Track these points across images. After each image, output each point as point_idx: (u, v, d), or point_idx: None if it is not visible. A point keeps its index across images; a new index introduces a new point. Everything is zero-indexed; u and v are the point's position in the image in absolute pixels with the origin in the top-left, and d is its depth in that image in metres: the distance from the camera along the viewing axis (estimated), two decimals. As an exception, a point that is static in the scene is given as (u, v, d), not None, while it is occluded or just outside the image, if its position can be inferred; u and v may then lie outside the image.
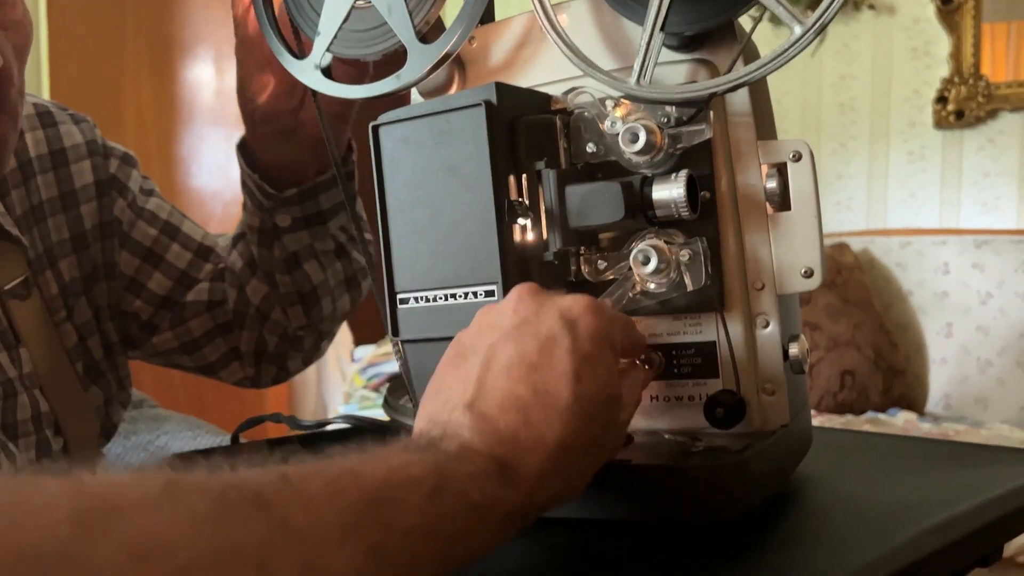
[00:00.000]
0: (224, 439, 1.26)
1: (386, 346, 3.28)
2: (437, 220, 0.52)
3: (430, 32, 0.59)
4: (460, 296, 0.51)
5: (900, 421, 2.08)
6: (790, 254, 0.51)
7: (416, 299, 0.53)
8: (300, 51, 0.65)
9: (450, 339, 0.52)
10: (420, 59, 0.57)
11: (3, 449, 0.70)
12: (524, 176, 0.51)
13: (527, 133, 0.51)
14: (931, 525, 0.46)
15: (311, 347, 0.90)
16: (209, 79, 3.71)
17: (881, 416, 2.14)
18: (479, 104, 0.50)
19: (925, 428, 1.99)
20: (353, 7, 0.61)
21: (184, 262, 0.87)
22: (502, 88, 0.51)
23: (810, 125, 2.75)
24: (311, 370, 3.91)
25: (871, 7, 2.61)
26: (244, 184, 0.81)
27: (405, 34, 0.58)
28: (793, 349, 0.51)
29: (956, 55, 2.53)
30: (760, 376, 0.52)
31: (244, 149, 0.80)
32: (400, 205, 0.53)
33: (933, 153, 2.63)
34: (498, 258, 0.50)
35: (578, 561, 0.45)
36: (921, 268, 2.39)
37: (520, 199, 0.51)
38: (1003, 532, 0.50)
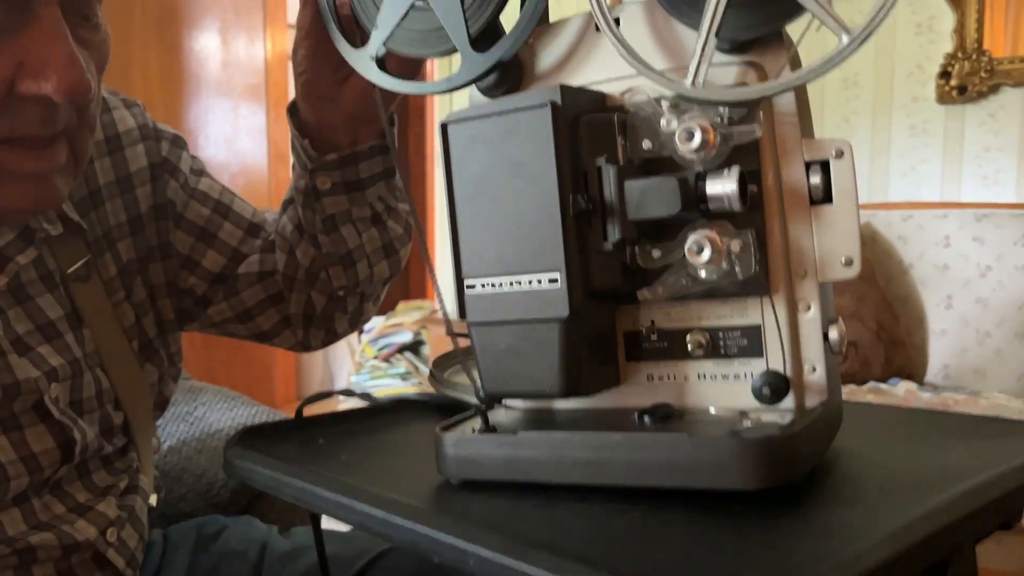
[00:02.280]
0: (257, 409, 1.30)
1: (395, 318, 3.33)
2: (503, 212, 0.56)
3: (485, 34, 0.62)
4: (524, 283, 0.56)
5: (901, 391, 2.14)
6: (831, 244, 0.55)
7: (482, 285, 0.57)
8: (358, 39, 0.69)
9: (514, 322, 0.57)
10: (473, 65, 0.61)
11: (75, 425, 0.74)
12: (585, 172, 0.55)
13: (588, 131, 0.56)
14: (960, 490, 0.51)
15: (355, 309, 0.94)
16: (215, 50, 3.73)
17: (883, 386, 2.20)
18: (545, 105, 0.54)
19: (925, 398, 2.04)
20: (412, 6, 0.64)
21: (236, 239, 0.91)
22: (565, 90, 0.55)
23: (814, 99, 2.76)
24: (317, 340, 3.95)
25: (876, -18, 2.64)
26: (292, 146, 0.85)
27: (459, 40, 0.62)
28: (832, 332, 0.56)
29: (960, 30, 2.56)
30: (803, 356, 0.56)
31: (294, 111, 0.83)
32: (467, 197, 0.57)
33: (935, 127, 2.67)
34: (562, 247, 0.54)
35: (636, 527, 0.50)
36: (922, 241, 2.44)
37: (582, 193, 0.55)
38: (1022, 499, 0.54)
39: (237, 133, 3.84)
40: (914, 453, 0.62)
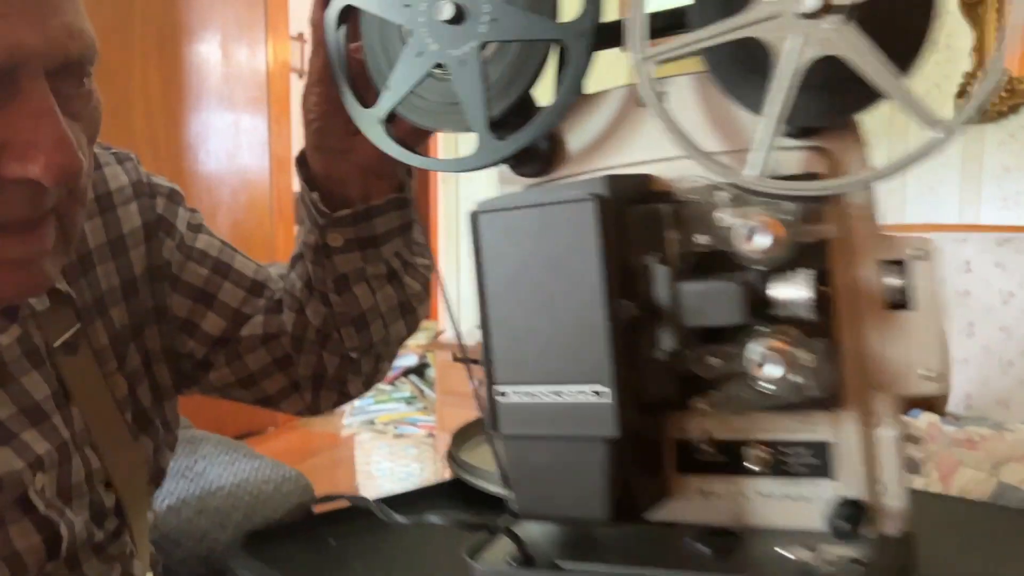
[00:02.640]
0: (260, 463, 1.24)
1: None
2: (541, 313, 0.50)
3: (508, 115, 0.56)
4: (567, 395, 0.50)
5: (923, 423, 2.07)
6: (911, 355, 0.49)
7: (517, 393, 0.51)
8: (366, 98, 0.63)
9: (554, 438, 0.51)
10: (490, 151, 0.55)
11: (62, 518, 0.68)
12: (633, 272, 0.49)
13: (636, 226, 0.50)
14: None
15: (370, 370, 0.87)
16: (217, 64, 3.67)
17: (904, 418, 2.13)
18: (588, 199, 0.48)
19: (950, 431, 1.98)
20: (429, 74, 0.58)
21: (238, 300, 0.85)
22: (613, 180, 0.49)
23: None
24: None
25: None
26: (302, 199, 0.78)
27: (477, 122, 0.55)
28: (913, 451, 0.50)
29: (979, 49, 2.50)
30: (878, 479, 0.50)
31: (302, 163, 0.77)
32: (501, 294, 0.51)
33: (953, 147, 2.60)
34: (608, 358, 0.48)
35: None
36: (941, 265, 2.37)
37: (630, 297, 0.49)
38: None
39: (238, 145, 3.78)
40: (994, 556, 0.55)
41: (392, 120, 0.61)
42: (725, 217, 0.48)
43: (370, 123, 0.62)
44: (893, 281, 0.49)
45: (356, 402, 3.19)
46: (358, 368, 0.85)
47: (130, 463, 0.79)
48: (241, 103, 3.75)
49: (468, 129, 0.56)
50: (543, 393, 0.50)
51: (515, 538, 0.53)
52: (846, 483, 0.50)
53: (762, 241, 0.47)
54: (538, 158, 0.57)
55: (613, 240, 0.48)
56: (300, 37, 4.14)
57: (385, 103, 0.60)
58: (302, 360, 0.84)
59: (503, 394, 0.52)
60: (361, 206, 0.75)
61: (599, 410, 0.49)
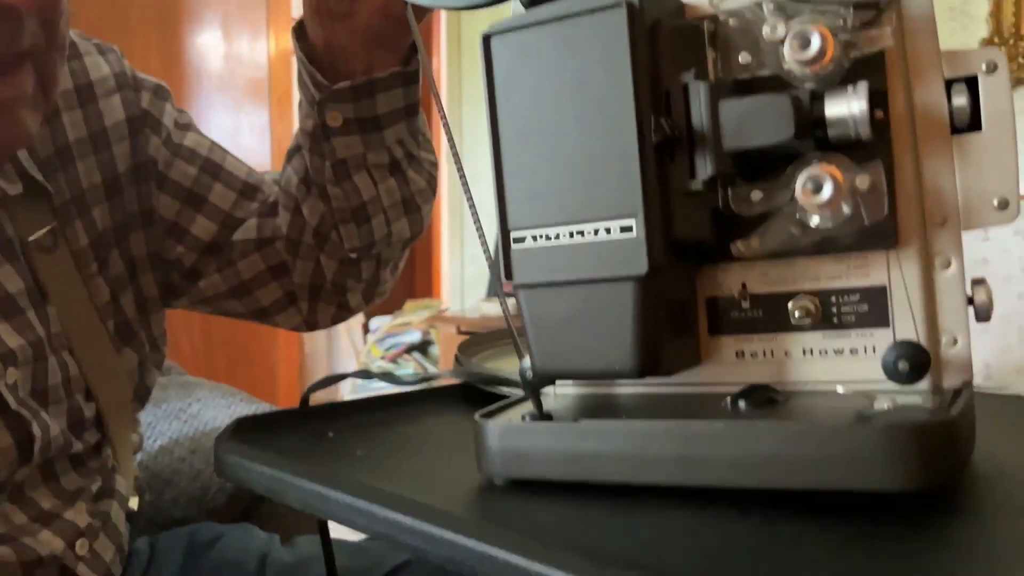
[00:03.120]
0: (257, 407, 1.19)
1: (402, 317, 3.20)
2: (563, 144, 0.44)
3: None
4: (589, 233, 0.44)
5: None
6: (980, 182, 0.44)
7: (534, 237, 0.46)
8: None
9: (575, 283, 0.45)
10: None
11: (35, 419, 0.63)
12: (668, 91, 0.44)
13: (671, 41, 0.44)
14: None
15: (370, 277, 0.80)
16: (216, 45, 3.61)
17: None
18: (618, 5, 0.42)
19: (969, 400, 1.92)
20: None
21: (229, 203, 0.79)
22: (644, -7, 0.43)
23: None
24: (321, 341, 3.84)
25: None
26: (299, 77, 0.72)
27: None
28: (980, 294, 0.44)
29: (996, 14, 2.45)
30: (941, 325, 0.44)
31: (300, 33, 0.71)
32: (517, 127, 0.46)
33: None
34: (639, 186, 0.42)
35: (742, 540, 0.38)
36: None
37: (664, 117, 0.43)
38: None
39: (239, 131, 3.72)
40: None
41: None
42: (772, 29, 0.43)
43: None
44: (959, 100, 0.43)
45: (359, 381, 3.13)
46: (358, 273, 0.79)
47: (112, 374, 0.74)
48: (242, 89, 3.70)
49: None
50: (564, 234, 0.45)
51: (533, 394, 0.47)
52: (904, 331, 0.44)
53: (813, 50, 0.41)
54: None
55: (645, 53, 0.43)
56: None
57: None
58: (298, 266, 0.78)
59: (520, 239, 0.46)
60: (363, 78, 0.69)
61: (627, 246, 0.43)
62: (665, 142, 0.43)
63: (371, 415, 0.63)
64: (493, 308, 2.71)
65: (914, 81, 0.44)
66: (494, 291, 2.91)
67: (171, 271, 0.79)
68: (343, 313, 0.82)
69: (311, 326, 0.83)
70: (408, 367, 3.13)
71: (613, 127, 0.43)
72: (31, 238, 0.68)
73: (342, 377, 0.63)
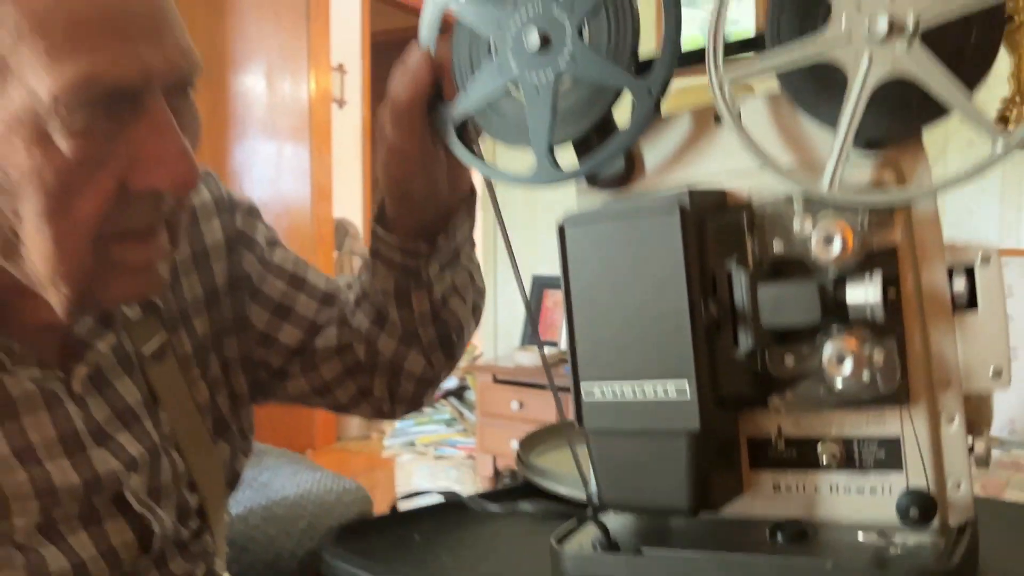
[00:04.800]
0: (321, 475, 1.28)
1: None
2: (625, 316, 0.53)
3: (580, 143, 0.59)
4: (648, 391, 0.53)
5: (966, 446, 2.07)
6: (977, 353, 0.52)
7: (601, 391, 0.55)
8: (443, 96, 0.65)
9: (638, 432, 0.54)
10: (548, 174, 0.58)
11: (153, 515, 0.72)
12: (714, 276, 0.53)
13: (716, 233, 0.53)
14: None
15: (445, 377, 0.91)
16: (261, 92, 3.75)
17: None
18: (673, 211, 0.51)
19: (995, 455, 1.98)
20: (506, 92, 0.61)
21: (312, 312, 0.89)
22: (693, 194, 0.52)
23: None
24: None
25: (930, 26, 2.60)
26: (374, 254, 0.81)
27: (539, 147, 0.58)
28: (979, 446, 0.53)
29: (1017, 74, 2.51)
30: (947, 472, 0.53)
31: (380, 217, 0.81)
32: (586, 299, 0.55)
33: (992, 172, 2.61)
34: (692, 355, 0.51)
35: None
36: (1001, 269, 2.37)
37: (712, 299, 0.52)
38: None
39: (281, 173, 3.85)
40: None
41: (464, 128, 0.64)
42: (801, 225, 0.52)
43: (442, 120, 0.64)
44: (959, 285, 0.52)
45: (396, 423, 3.23)
46: (436, 375, 0.89)
47: (211, 466, 0.83)
48: (284, 132, 3.82)
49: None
50: (627, 391, 0.54)
51: (600, 525, 0.56)
52: (914, 476, 0.53)
53: (836, 247, 0.50)
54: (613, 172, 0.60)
55: (695, 246, 0.52)
56: (340, 68, 4.23)
57: (460, 105, 0.63)
58: (376, 381, 0.87)
59: (590, 392, 0.55)
60: (450, 227, 0.78)
61: (681, 406, 0.52)
62: (712, 320, 0.52)
63: (450, 516, 0.72)
64: (526, 357, 2.82)
65: (922, 268, 0.53)
66: (530, 339, 3.00)
67: (260, 372, 0.88)
68: (416, 406, 0.92)
69: (389, 416, 0.92)
70: (445, 411, 3.23)
71: (669, 306, 0.52)
72: (146, 351, 0.77)
73: (426, 492, 0.72)
